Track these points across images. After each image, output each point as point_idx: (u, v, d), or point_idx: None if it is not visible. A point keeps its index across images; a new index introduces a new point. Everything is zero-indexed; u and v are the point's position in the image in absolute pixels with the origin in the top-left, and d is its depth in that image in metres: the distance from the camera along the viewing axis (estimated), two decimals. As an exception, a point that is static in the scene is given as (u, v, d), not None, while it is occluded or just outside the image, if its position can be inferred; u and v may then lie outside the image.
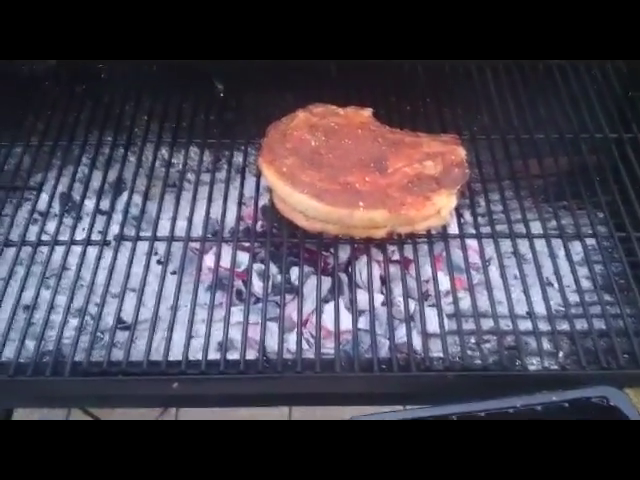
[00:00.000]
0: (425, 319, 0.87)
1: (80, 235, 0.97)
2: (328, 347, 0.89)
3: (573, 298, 0.91)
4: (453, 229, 0.98)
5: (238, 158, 1.10)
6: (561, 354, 0.83)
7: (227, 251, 0.96)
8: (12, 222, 0.99)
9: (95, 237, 0.96)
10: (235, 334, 0.91)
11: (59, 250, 0.95)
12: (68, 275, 0.94)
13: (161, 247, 1.01)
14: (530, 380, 0.80)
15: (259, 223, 1.03)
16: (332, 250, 0.99)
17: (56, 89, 1.15)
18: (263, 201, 1.04)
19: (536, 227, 0.98)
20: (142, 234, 0.97)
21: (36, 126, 1.11)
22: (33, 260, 0.94)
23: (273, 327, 0.95)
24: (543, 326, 0.88)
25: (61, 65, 1.16)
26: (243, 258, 0.99)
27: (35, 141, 1.09)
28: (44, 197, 1.05)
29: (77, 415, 1.50)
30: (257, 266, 0.99)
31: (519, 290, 0.92)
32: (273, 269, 1.00)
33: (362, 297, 0.94)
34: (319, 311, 0.89)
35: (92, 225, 0.98)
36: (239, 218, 1.00)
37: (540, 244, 0.96)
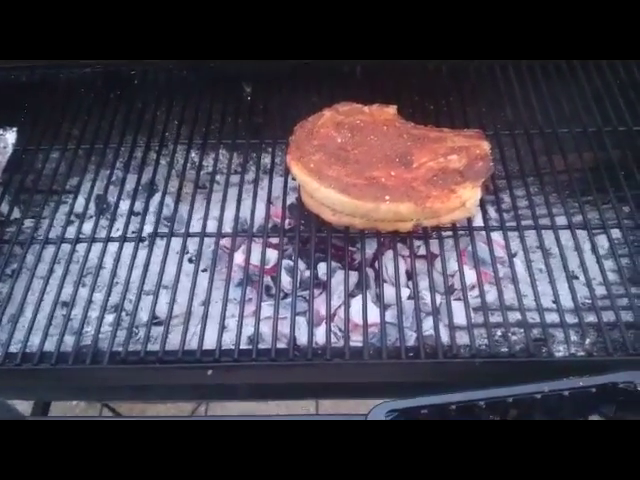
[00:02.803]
0: (452, 312, 0.89)
1: (116, 234, 1.01)
2: (355, 340, 0.91)
3: (599, 291, 0.92)
4: (478, 222, 0.99)
5: (266, 159, 1.13)
6: (588, 341, 0.84)
7: (256, 248, 0.99)
8: (51, 223, 1.03)
9: (130, 236, 1.00)
10: (265, 328, 0.94)
11: (95, 249, 0.99)
12: (104, 273, 0.98)
13: (192, 246, 1.04)
14: (557, 366, 0.81)
15: (287, 221, 1.05)
16: (358, 245, 1.01)
17: (91, 95, 1.20)
18: (290, 200, 1.06)
19: (561, 221, 0.99)
20: (175, 231, 1.00)
21: (72, 131, 1.16)
22: (71, 258, 0.98)
23: (301, 321, 0.97)
24: (570, 319, 0.89)
25: (96, 72, 1.21)
26: (271, 255, 1.02)
27: (72, 146, 1.14)
28: (81, 200, 1.09)
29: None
30: (285, 262, 1.02)
31: (545, 283, 0.93)
32: (301, 265, 1.02)
33: (388, 291, 0.96)
34: (347, 304, 0.91)
35: (127, 225, 1.01)
36: (268, 216, 1.02)
37: (565, 237, 0.97)
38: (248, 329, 0.92)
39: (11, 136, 1.05)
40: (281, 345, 0.89)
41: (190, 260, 1.08)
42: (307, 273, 1.01)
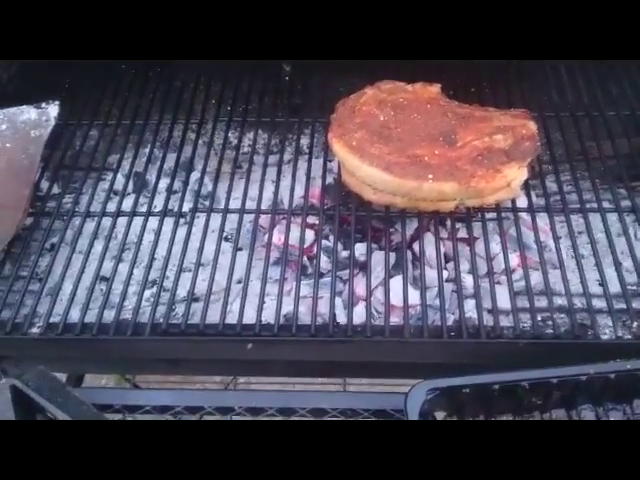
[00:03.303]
0: (495, 294, 0.87)
1: (155, 210, 1.01)
2: (394, 321, 0.90)
3: (646, 277, 0.90)
4: (522, 205, 0.97)
5: (305, 139, 1.12)
6: (635, 325, 0.81)
7: (294, 228, 0.98)
8: (91, 199, 1.04)
9: (170, 210, 1.00)
10: (302, 308, 0.93)
11: (134, 225, 0.99)
12: (142, 249, 0.98)
13: (230, 224, 1.04)
14: (603, 349, 0.79)
15: (325, 201, 1.05)
16: (397, 226, 1.00)
17: (132, 72, 1.20)
18: (328, 180, 1.06)
19: (608, 205, 0.97)
20: (214, 208, 1.00)
21: (112, 108, 1.16)
22: (111, 234, 0.98)
23: (339, 302, 0.96)
24: (616, 304, 0.86)
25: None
26: (309, 235, 1.01)
27: (112, 122, 1.14)
28: (120, 177, 1.09)
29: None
30: (323, 242, 1.01)
31: (590, 268, 0.91)
32: (339, 245, 1.01)
33: (428, 273, 0.95)
34: (387, 284, 0.89)
35: (167, 202, 1.01)
36: (307, 195, 1.02)
37: (611, 222, 0.94)
38: (286, 308, 0.91)
39: (53, 110, 1.06)
40: (321, 322, 0.89)
41: (226, 238, 1.08)
42: (344, 253, 1.00)
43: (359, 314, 0.91)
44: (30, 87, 1.17)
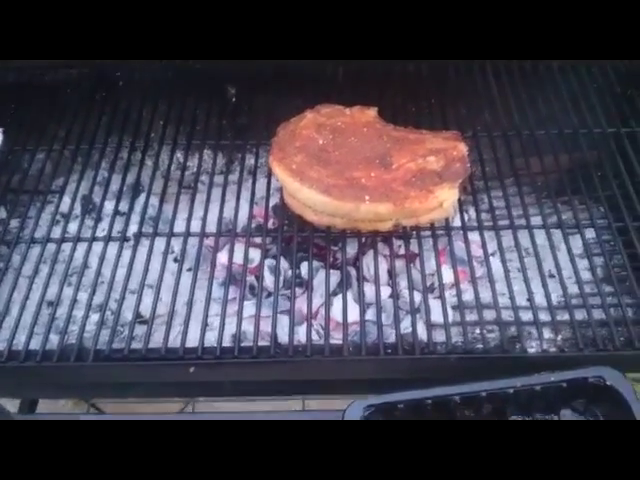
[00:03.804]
0: (430, 310, 0.91)
1: (101, 234, 1.02)
2: (337, 338, 0.93)
3: (573, 289, 0.94)
4: (456, 223, 1.01)
5: (250, 160, 1.15)
6: (559, 338, 0.86)
7: (239, 248, 1.01)
8: (37, 223, 1.04)
9: (115, 235, 1.01)
10: (248, 327, 0.95)
11: (80, 249, 1.00)
12: (89, 273, 0.98)
13: (177, 245, 1.06)
14: (529, 362, 0.83)
15: (270, 221, 1.07)
16: (340, 245, 1.03)
17: (77, 96, 1.21)
18: (274, 201, 1.08)
19: (537, 221, 1.01)
20: (159, 231, 1.01)
21: (58, 132, 1.17)
22: (57, 258, 0.99)
23: (283, 320, 0.99)
24: (544, 317, 0.91)
25: (81, 74, 1.22)
26: (255, 254, 1.03)
27: (57, 146, 1.15)
28: (66, 200, 1.10)
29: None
30: (268, 262, 1.03)
31: (521, 282, 0.95)
32: (284, 264, 1.04)
33: (369, 290, 0.98)
34: (328, 303, 0.92)
35: (112, 225, 1.02)
36: (251, 216, 1.04)
37: (541, 238, 0.99)
38: (231, 327, 0.93)
39: (-2, 137, 1.06)
40: (263, 343, 0.91)
41: (175, 260, 1.09)
42: (290, 272, 1.03)
43: (304, 333, 0.93)
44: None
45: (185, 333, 0.87)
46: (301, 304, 0.99)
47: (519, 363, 0.83)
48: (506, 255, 0.97)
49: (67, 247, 1.01)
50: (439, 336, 0.90)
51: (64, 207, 1.08)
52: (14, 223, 1.08)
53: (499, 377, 0.78)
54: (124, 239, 1.00)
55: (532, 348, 0.84)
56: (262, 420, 0.74)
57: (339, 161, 0.95)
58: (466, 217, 1.04)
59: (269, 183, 1.07)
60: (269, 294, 1.03)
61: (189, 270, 1.05)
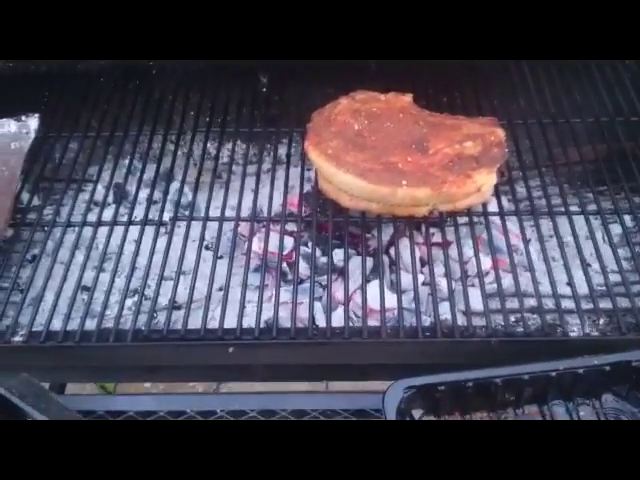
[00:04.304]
0: (468, 297, 0.90)
1: (136, 219, 1.03)
2: (372, 324, 0.93)
3: (613, 278, 0.93)
4: (492, 209, 1.00)
5: (282, 149, 1.15)
6: (602, 322, 0.85)
7: (273, 235, 1.01)
8: (71, 210, 1.05)
9: (151, 219, 1.01)
10: (282, 313, 0.95)
11: (115, 235, 1.00)
12: (123, 259, 0.98)
13: (210, 233, 1.06)
14: (572, 345, 0.82)
15: (303, 208, 1.07)
16: (374, 232, 1.03)
17: (110, 85, 1.22)
18: (306, 189, 1.08)
19: (575, 209, 1.00)
20: (194, 216, 1.02)
21: (92, 121, 1.18)
22: (92, 244, 0.99)
23: (318, 306, 0.99)
24: (584, 305, 0.90)
25: (114, 63, 1.23)
26: (288, 241, 1.03)
27: (91, 135, 1.16)
28: (100, 188, 1.10)
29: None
30: (302, 249, 1.03)
31: (559, 270, 0.94)
32: (317, 251, 1.03)
33: (404, 277, 0.98)
34: (364, 288, 0.92)
35: (147, 212, 1.03)
36: (285, 203, 1.04)
37: (579, 225, 0.98)
38: (266, 313, 0.93)
39: (33, 122, 1.07)
40: (300, 326, 0.90)
41: (207, 247, 1.09)
42: (323, 259, 1.03)
43: (338, 318, 0.93)
44: (9, 100, 1.18)
45: (223, 315, 0.86)
46: (335, 290, 0.99)
47: (561, 347, 0.82)
48: (544, 243, 0.95)
49: (101, 233, 1.02)
50: (477, 323, 0.89)
51: (98, 195, 1.09)
52: (48, 210, 1.08)
53: (540, 361, 0.77)
54: (160, 223, 1.00)
55: (574, 332, 0.83)
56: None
57: (375, 146, 0.95)
58: (503, 205, 1.02)
59: (303, 171, 1.07)
60: (302, 280, 1.02)
61: (220, 258, 1.05)
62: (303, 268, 1.01)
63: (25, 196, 1.10)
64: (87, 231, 1.02)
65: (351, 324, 0.95)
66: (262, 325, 0.90)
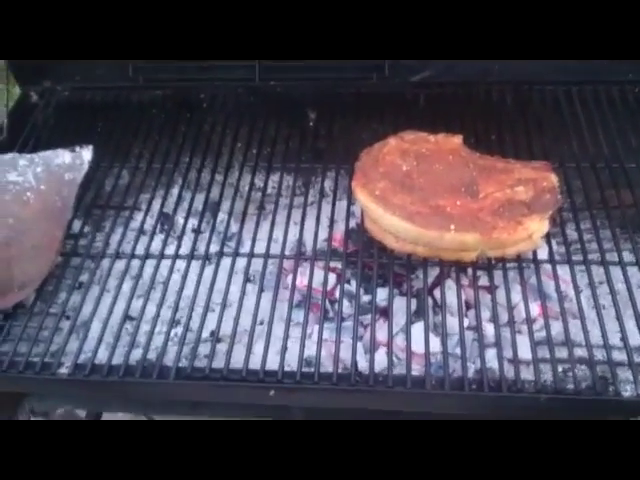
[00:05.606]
0: (516, 345, 0.88)
1: (182, 252, 1.04)
2: (414, 368, 0.91)
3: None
4: (542, 255, 0.98)
5: (329, 183, 1.15)
6: (657, 381, 0.82)
7: (316, 271, 1.00)
8: (121, 239, 1.07)
9: (196, 254, 1.03)
10: (323, 351, 0.94)
11: (163, 265, 1.02)
12: (169, 290, 1.00)
13: (252, 266, 1.06)
14: (624, 406, 0.79)
15: (348, 245, 1.07)
16: (418, 273, 1.01)
17: (162, 117, 1.24)
18: (352, 224, 1.08)
19: (628, 257, 0.97)
20: (238, 252, 1.02)
21: (143, 151, 1.20)
22: (141, 273, 1.01)
23: (359, 346, 0.98)
24: (636, 357, 0.87)
25: (166, 95, 1.26)
26: (331, 278, 1.03)
27: (143, 165, 1.18)
28: (150, 217, 1.12)
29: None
30: (345, 287, 1.02)
31: (610, 319, 0.91)
32: (360, 290, 1.03)
33: (447, 320, 0.96)
34: (409, 332, 0.91)
35: (195, 243, 1.04)
36: (330, 239, 1.04)
37: (632, 272, 0.95)
38: (306, 351, 0.93)
39: (87, 154, 1.10)
40: (340, 370, 0.90)
41: (249, 280, 1.10)
42: (364, 298, 1.02)
43: (379, 361, 0.92)
44: (64, 130, 1.22)
45: (265, 356, 0.86)
46: (376, 331, 0.98)
47: (613, 406, 0.79)
48: (596, 291, 0.93)
49: (148, 264, 1.03)
50: (524, 373, 0.86)
51: (147, 225, 1.11)
52: (98, 238, 1.10)
53: (590, 419, 0.74)
54: (206, 258, 1.01)
55: (626, 392, 0.80)
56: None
57: (423, 188, 0.94)
58: (553, 249, 1.00)
59: (348, 206, 1.07)
60: (343, 319, 1.02)
61: (263, 291, 1.06)
62: (345, 306, 1.00)
63: (76, 224, 1.12)
64: (136, 262, 1.04)
65: (394, 368, 0.94)
66: (296, 363, 0.90)
